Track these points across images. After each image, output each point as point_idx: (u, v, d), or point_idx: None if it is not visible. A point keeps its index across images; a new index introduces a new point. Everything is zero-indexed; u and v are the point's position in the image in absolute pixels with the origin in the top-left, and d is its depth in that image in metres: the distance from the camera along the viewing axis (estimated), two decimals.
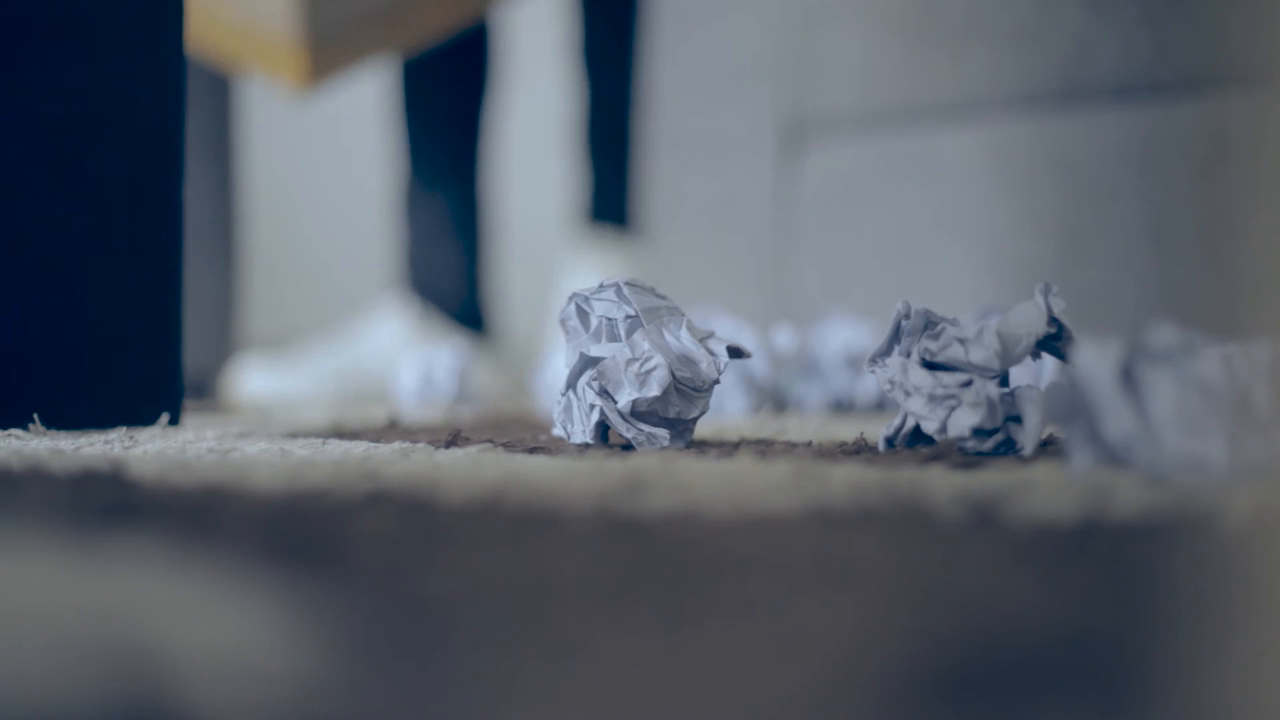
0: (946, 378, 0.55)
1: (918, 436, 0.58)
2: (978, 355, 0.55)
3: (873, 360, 0.58)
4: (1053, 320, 0.57)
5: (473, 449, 0.60)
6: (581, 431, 0.62)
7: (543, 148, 2.21)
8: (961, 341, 0.56)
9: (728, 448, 0.60)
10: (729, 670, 0.25)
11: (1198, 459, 0.44)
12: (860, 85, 1.24)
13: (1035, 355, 0.58)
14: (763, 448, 0.60)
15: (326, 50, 1.33)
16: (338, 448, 0.62)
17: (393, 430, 0.80)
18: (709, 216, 1.42)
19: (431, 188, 1.67)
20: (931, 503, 0.42)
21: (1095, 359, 0.46)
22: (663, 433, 0.60)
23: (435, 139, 1.68)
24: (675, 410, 0.60)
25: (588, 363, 0.62)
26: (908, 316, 0.58)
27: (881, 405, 0.97)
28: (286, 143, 2.45)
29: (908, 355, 0.57)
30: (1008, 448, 0.55)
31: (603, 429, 0.62)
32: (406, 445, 0.61)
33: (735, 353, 0.62)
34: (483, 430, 0.77)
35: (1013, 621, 0.28)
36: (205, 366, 1.69)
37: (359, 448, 0.62)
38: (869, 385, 0.97)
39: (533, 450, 0.60)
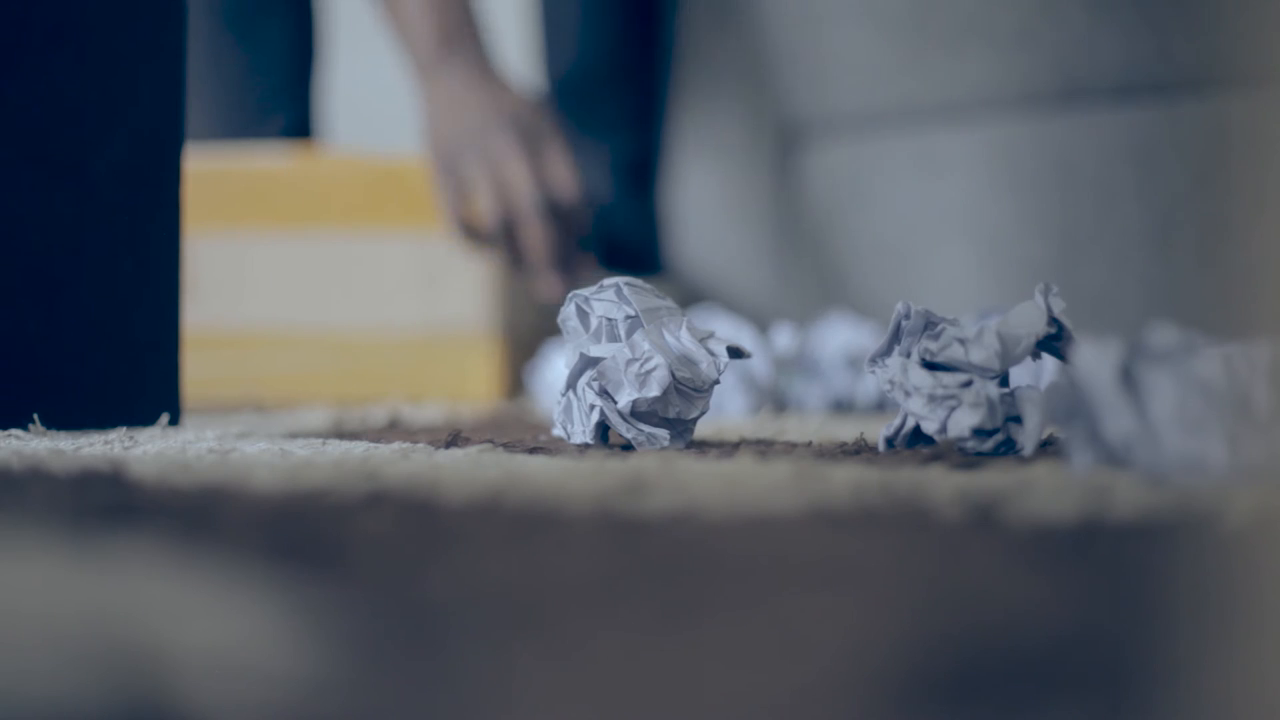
0: (946, 378, 0.55)
1: (918, 437, 0.58)
2: (978, 355, 0.55)
3: (873, 360, 0.58)
4: (1053, 320, 0.57)
5: (473, 449, 0.60)
6: (581, 432, 0.62)
7: None
8: (961, 342, 0.56)
9: (728, 448, 0.60)
10: (729, 670, 0.25)
11: (1198, 459, 0.44)
12: (860, 85, 1.24)
13: (1035, 355, 0.58)
14: (763, 448, 0.60)
15: None
16: (338, 448, 0.62)
17: (393, 430, 0.80)
18: (709, 216, 1.42)
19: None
20: (931, 503, 0.42)
21: (1095, 359, 0.46)
22: (663, 433, 0.60)
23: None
24: (675, 410, 0.60)
25: (588, 363, 0.62)
26: (908, 317, 0.58)
27: (881, 405, 0.97)
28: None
29: (908, 355, 0.57)
30: (1008, 448, 0.55)
31: (603, 429, 0.62)
32: (406, 445, 0.61)
33: (735, 353, 0.62)
34: (483, 430, 0.78)
35: (1013, 622, 0.28)
36: None
37: (359, 448, 0.62)
38: (869, 385, 0.97)
39: (533, 450, 0.60)
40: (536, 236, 1.15)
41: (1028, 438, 0.54)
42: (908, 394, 0.56)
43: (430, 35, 1.20)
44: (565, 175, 1.15)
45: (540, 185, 1.15)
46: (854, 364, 0.97)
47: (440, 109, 1.19)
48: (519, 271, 1.18)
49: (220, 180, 1.30)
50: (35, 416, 0.70)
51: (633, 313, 0.61)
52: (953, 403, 0.55)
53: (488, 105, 1.18)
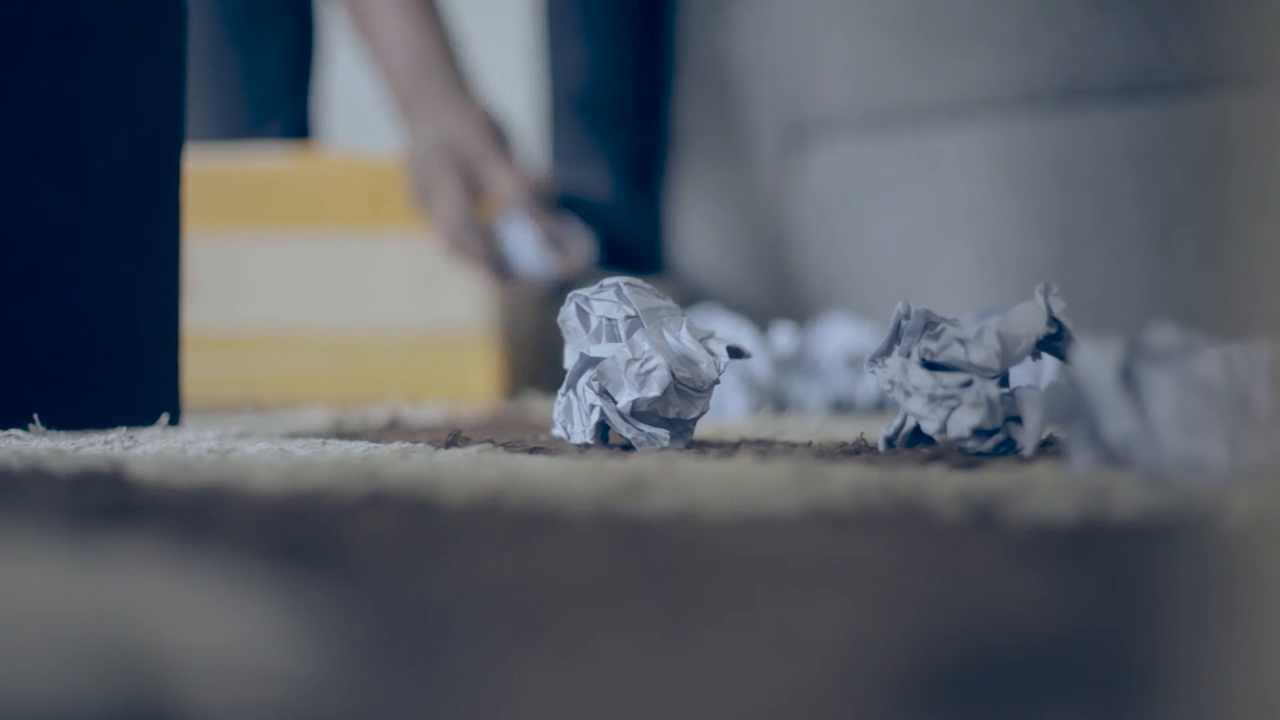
0: (946, 378, 0.55)
1: (918, 436, 0.58)
2: (978, 355, 0.55)
3: (873, 360, 0.58)
4: (1053, 320, 0.57)
5: (473, 449, 0.60)
6: (581, 432, 0.62)
7: None
8: (961, 342, 0.56)
9: (728, 448, 0.60)
10: (729, 670, 0.25)
11: (1198, 459, 0.44)
12: (860, 85, 1.24)
13: (1035, 355, 0.58)
14: (763, 448, 0.60)
15: None
16: (338, 448, 0.62)
17: (393, 430, 0.80)
18: (710, 216, 1.42)
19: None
20: (931, 503, 0.42)
21: (1095, 359, 0.46)
22: (663, 433, 0.60)
23: None
24: (675, 410, 0.60)
25: (588, 363, 0.62)
26: (908, 316, 0.58)
27: (881, 405, 0.97)
28: None
29: (908, 355, 0.57)
30: (1008, 448, 0.55)
31: (603, 429, 0.62)
32: (406, 445, 0.61)
33: (735, 353, 0.62)
34: (483, 430, 0.78)
35: (1013, 621, 0.28)
36: None
37: (359, 448, 0.62)
38: (869, 385, 0.97)
39: (533, 450, 0.60)
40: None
41: (1028, 438, 0.54)
42: (908, 394, 0.56)
43: (409, 64, 1.23)
44: (505, 185, 1.18)
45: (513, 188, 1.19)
46: (854, 364, 0.97)
47: (418, 131, 1.22)
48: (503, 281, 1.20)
49: (219, 181, 1.30)
50: (35, 416, 0.70)
51: (633, 313, 0.61)
52: (953, 403, 0.55)
53: (455, 117, 1.21)
